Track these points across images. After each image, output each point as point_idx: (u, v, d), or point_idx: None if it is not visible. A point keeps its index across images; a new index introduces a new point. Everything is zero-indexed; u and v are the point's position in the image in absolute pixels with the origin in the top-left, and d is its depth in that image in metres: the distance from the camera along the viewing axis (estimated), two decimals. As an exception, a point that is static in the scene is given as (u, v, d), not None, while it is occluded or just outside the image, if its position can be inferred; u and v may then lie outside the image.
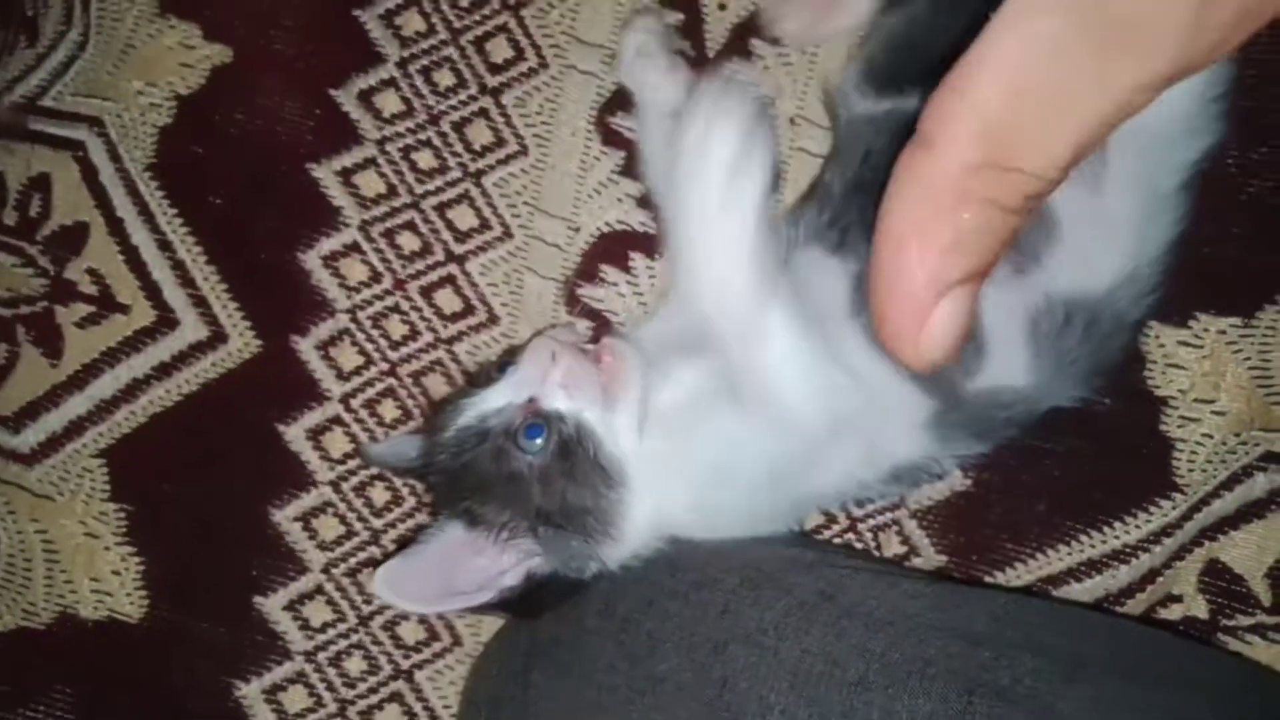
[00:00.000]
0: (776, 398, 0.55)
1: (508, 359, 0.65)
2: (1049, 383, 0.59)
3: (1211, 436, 0.68)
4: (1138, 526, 0.70)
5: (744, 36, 0.72)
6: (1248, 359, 0.68)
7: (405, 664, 0.75)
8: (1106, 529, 0.70)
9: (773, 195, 0.69)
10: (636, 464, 0.60)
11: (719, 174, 0.51)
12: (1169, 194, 0.58)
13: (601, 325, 0.74)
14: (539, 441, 0.59)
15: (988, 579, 0.72)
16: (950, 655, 0.51)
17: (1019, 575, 0.72)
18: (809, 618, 0.54)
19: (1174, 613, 0.70)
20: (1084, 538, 0.70)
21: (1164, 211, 0.58)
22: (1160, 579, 0.70)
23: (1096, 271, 0.58)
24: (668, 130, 0.67)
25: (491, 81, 0.74)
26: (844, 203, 0.62)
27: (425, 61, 0.74)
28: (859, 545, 0.73)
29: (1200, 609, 0.70)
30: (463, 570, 0.59)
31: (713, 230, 0.52)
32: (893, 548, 0.73)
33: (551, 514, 0.59)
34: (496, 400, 0.61)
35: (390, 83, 0.74)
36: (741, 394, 0.57)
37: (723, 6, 0.73)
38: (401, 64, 0.74)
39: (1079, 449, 0.70)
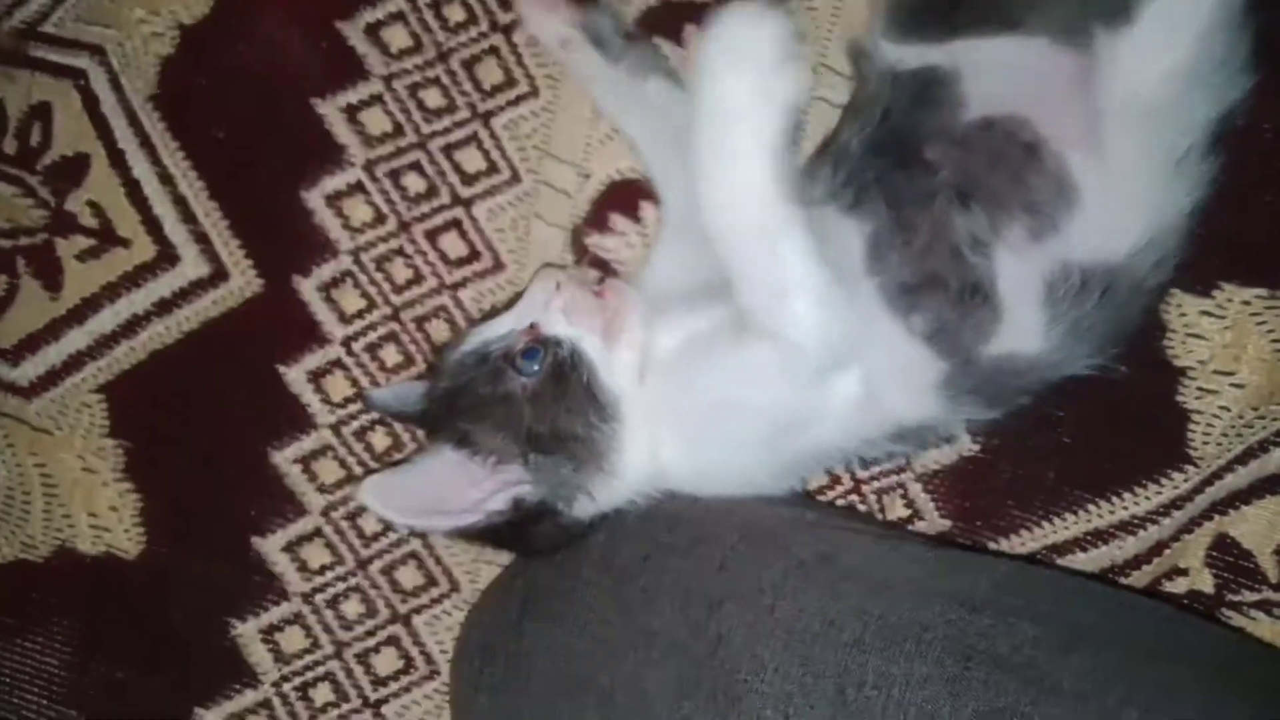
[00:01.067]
0: (785, 324, 0.54)
1: (518, 300, 0.65)
2: (1063, 349, 0.58)
3: (1229, 409, 0.67)
4: (1148, 498, 0.68)
5: (767, -21, 0.70)
6: (1271, 331, 0.66)
7: (403, 608, 0.75)
8: (1115, 499, 0.69)
9: (793, 145, 0.69)
10: (631, 403, 0.60)
11: (756, 71, 0.50)
12: (1185, 158, 0.56)
13: (610, 275, 0.73)
14: (535, 364, 0.60)
15: (992, 545, 0.71)
16: (949, 621, 0.50)
17: (1024, 543, 0.71)
18: (807, 578, 0.54)
19: (1179, 586, 0.69)
20: (1092, 507, 0.69)
21: (1181, 177, 0.56)
22: (1167, 551, 0.69)
23: (1115, 238, 0.56)
24: (576, 61, 0.68)
25: (503, 18, 0.71)
26: (861, 162, 0.60)
27: (435, -5, 0.72)
28: (863, 507, 0.73)
29: (1206, 583, 0.69)
30: (450, 490, 0.59)
31: (738, 133, 0.51)
32: (896, 511, 0.72)
33: (541, 436, 0.59)
34: (500, 328, 0.62)
35: (398, 16, 0.71)
36: (748, 326, 0.56)
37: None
38: (411, -2, 0.72)
39: (1091, 417, 0.68)
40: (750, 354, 0.56)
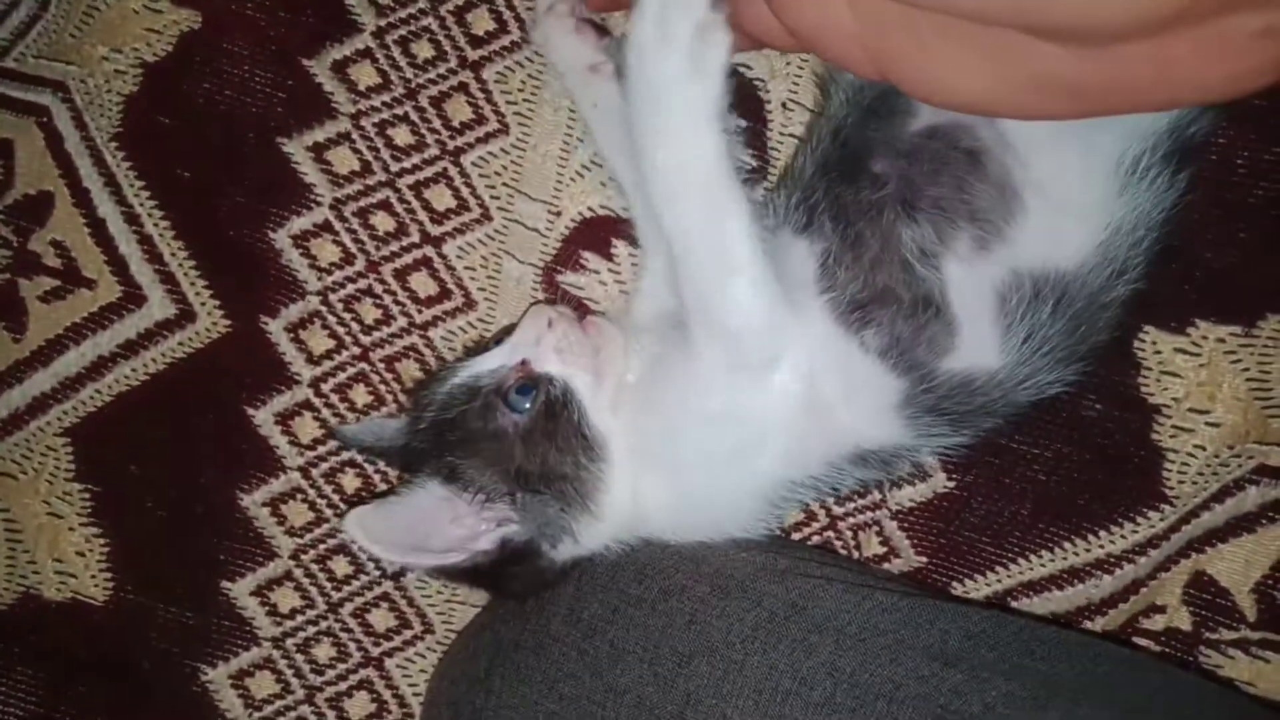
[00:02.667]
0: (727, 310, 0.55)
1: (505, 335, 0.65)
2: (1024, 365, 0.57)
3: (1204, 448, 0.66)
4: (1124, 536, 0.68)
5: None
6: (1246, 369, 0.65)
7: (375, 651, 0.74)
8: (1091, 537, 0.69)
9: (759, 183, 0.68)
10: (617, 442, 0.61)
11: (683, 42, 0.49)
12: (1133, 167, 0.55)
13: (582, 313, 0.72)
14: (527, 402, 0.60)
15: (967, 582, 0.71)
16: (921, 678, 0.49)
17: (999, 580, 0.70)
18: (778, 631, 0.53)
19: (1157, 623, 0.69)
20: (1067, 545, 0.69)
21: (1132, 186, 0.55)
22: (1144, 589, 0.69)
23: (1063, 246, 0.55)
24: (594, 87, 0.66)
25: (472, 55, 0.71)
26: (812, 181, 0.60)
27: (403, 31, 0.70)
28: (839, 544, 0.72)
29: (1184, 621, 0.68)
30: (437, 528, 0.59)
31: (675, 108, 0.51)
32: (873, 548, 0.71)
33: (531, 475, 0.59)
34: (491, 362, 0.62)
35: (366, 53, 0.71)
36: (691, 330, 0.56)
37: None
38: (378, 34, 0.70)
39: (1067, 454, 0.68)
40: (697, 361, 0.57)
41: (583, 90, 0.67)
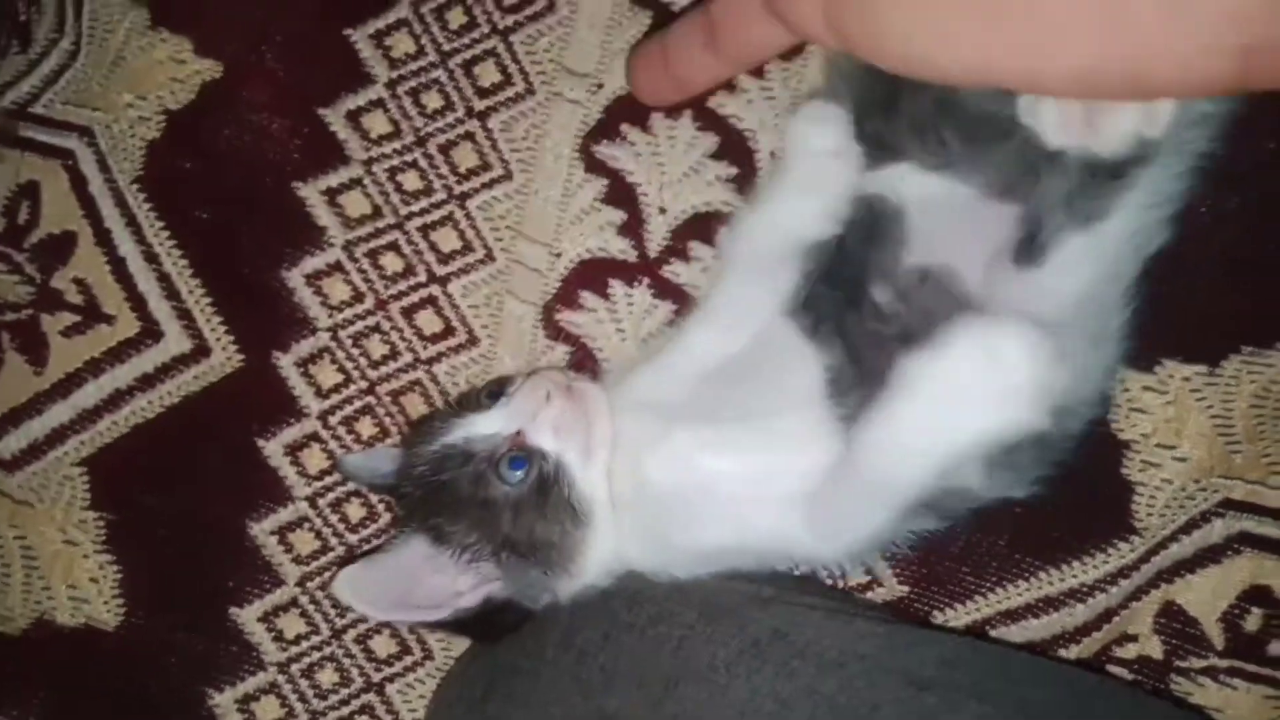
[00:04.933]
0: (832, 545, 0.59)
1: (497, 387, 0.66)
2: (1001, 481, 0.59)
3: (1171, 482, 0.69)
4: (1095, 567, 0.71)
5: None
6: (1210, 407, 0.69)
7: (377, 677, 0.77)
8: (1065, 567, 0.71)
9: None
10: (602, 510, 0.62)
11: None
12: (1107, 338, 0.59)
13: (580, 350, 0.75)
14: (520, 474, 0.61)
15: (948, 611, 0.74)
16: (898, 700, 0.52)
17: (979, 608, 0.73)
18: (762, 656, 0.56)
19: (1129, 652, 0.71)
20: (1043, 574, 0.72)
21: (1106, 343, 0.60)
22: (1117, 618, 0.71)
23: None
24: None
25: (479, 105, 0.75)
26: (817, 287, 0.61)
27: (414, 83, 0.75)
28: (823, 573, 0.75)
29: (1155, 649, 0.71)
30: (422, 584, 0.61)
31: (945, 436, 0.53)
32: (855, 577, 0.74)
33: (518, 543, 0.61)
34: (486, 427, 0.63)
35: (378, 103, 0.75)
36: (802, 521, 0.58)
37: (708, 39, 0.74)
38: (390, 85, 0.75)
39: (1041, 487, 0.71)
40: (785, 530, 0.59)
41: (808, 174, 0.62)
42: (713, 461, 0.60)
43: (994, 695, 0.53)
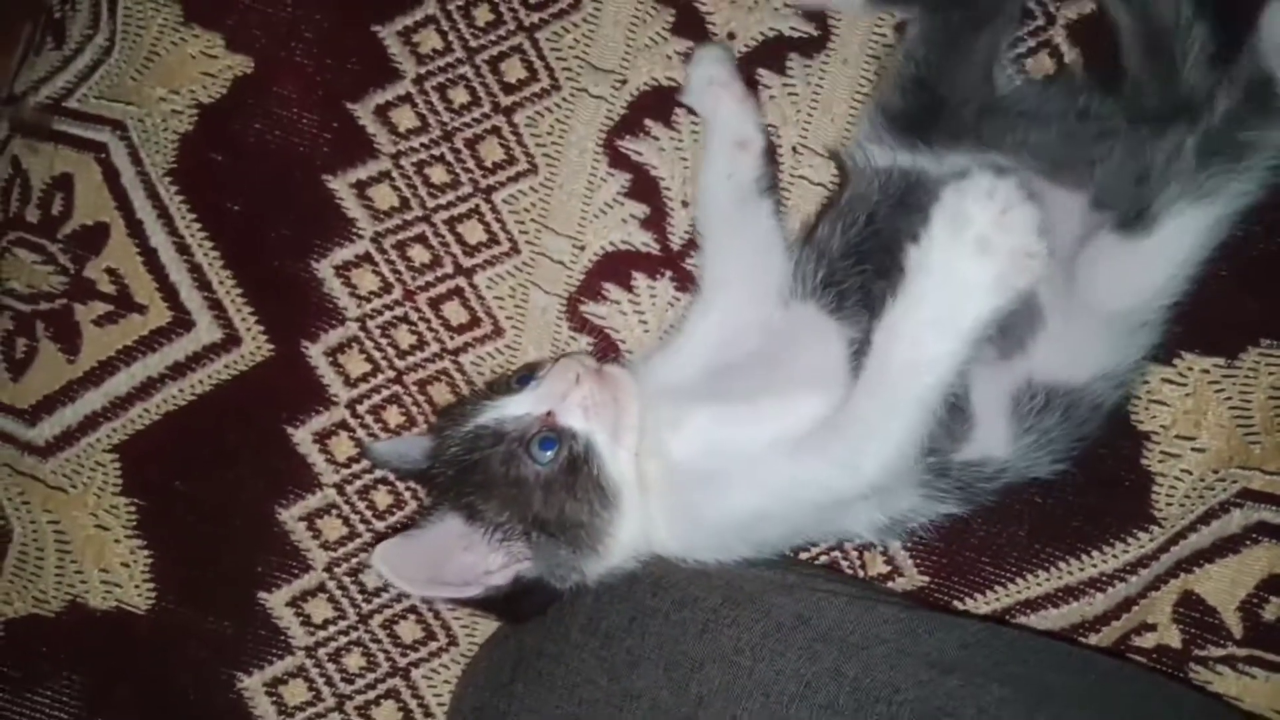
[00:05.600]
0: (867, 457, 0.57)
1: (527, 372, 0.68)
2: (1028, 457, 0.62)
3: (1191, 472, 0.70)
4: (1115, 556, 0.72)
5: (751, 65, 0.74)
6: (1229, 399, 0.70)
7: (402, 662, 0.78)
8: (1085, 557, 0.72)
9: (779, 219, 0.72)
10: (630, 492, 0.63)
11: (1004, 263, 0.52)
12: (1148, 321, 0.61)
13: (603, 341, 0.77)
14: (550, 453, 0.62)
15: (968, 600, 0.74)
16: (920, 683, 0.53)
17: (998, 598, 0.74)
18: (785, 640, 0.56)
19: (1148, 641, 0.72)
20: (1063, 564, 0.73)
21: (1143, 331, 0.61)
22: (1136, 608, 0.72)
23: (1076, 365, 0.61)
24: (735, 159, 0.69)
25: (505, 101, 0.76)
26: (841, 264, 0.63)
27: (441, 79, 0.76)
28: (844, 563, 0.76)
29: (1174, 638, 0.72)
30: (455, 561, 0.62)
31: (965, 310, 0.53)
32: (876, 567, 0.75)
33: (547, 522, 0.62)
34: (517, 408, 0.64)
35: (406, 98, 0.76)
36: (821, 452, 0.58)
37: (731, 36, 0.75)
38: (418, 80, 0.76)
39: (1061, 477, 0.71)
40: (807, 472, 0.59)
41: (723, 158, 0.69)
42: (733, 432, 0.62)
43: (1015, 678, 0.54)
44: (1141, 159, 0.59)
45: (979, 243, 0.52)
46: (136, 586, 0.77)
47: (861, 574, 0.75)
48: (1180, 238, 0.58)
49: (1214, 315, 0.69)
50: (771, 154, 0.71)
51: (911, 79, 0.67)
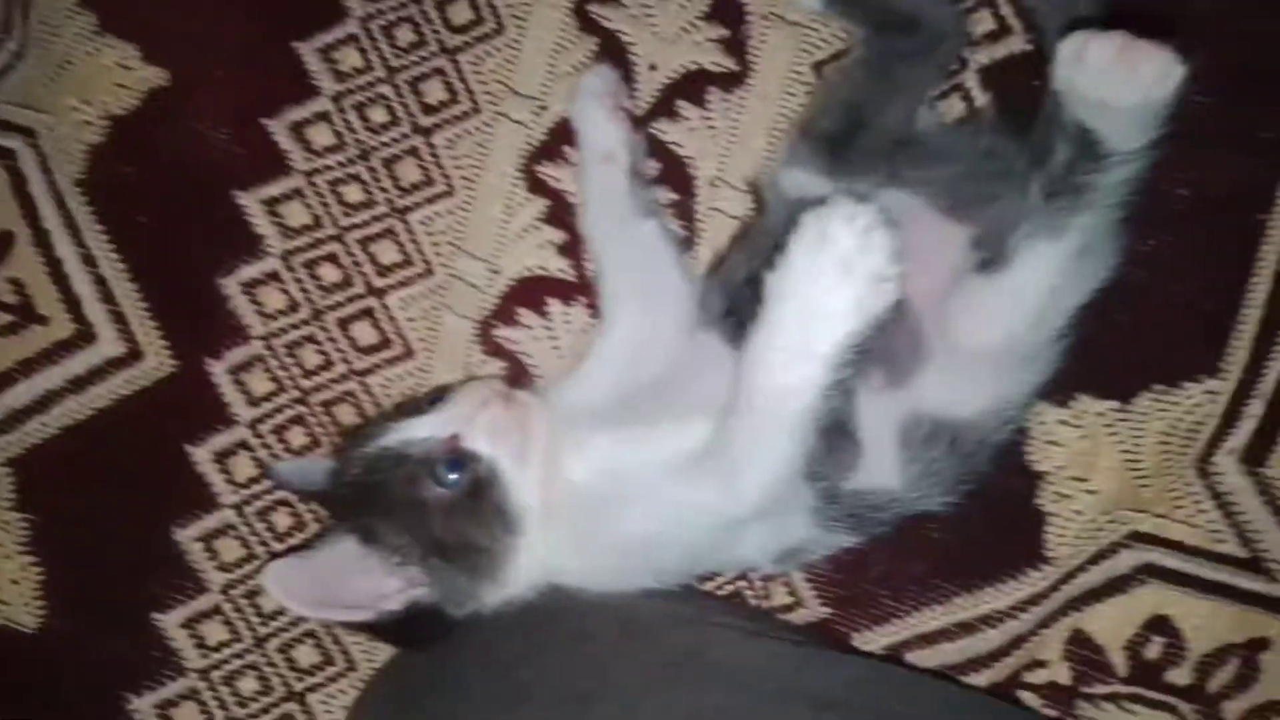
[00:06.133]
0: (746, 480, 0.58)
1: (437, 395, 0.67)
2: (917, 488, 0.63)
3: (1082, 513, 0.72)
4: (1008, 594, 0.73)
5: (672, 97, 0.75)
6: (1121, 442, 0.71)
7: (298, 686, 0.77)
8: (979, 593, 0.73)
9: (687, 254, 0.74)
10: (533, 519, 0.63)
11: (860, 285, 0.52)
12: (1034, 356, 0.62)
13: (516, 366, 0.77)
14: (454, 476, 0.61)
15: (868, 633, 0.75)
16: None
17: (896, 631, 0.75)
18: (675, 674, 0.57)
19: (1039, 677, 0.73)
20: (958, 600, 0.74)
21: (1031, 364, 0.63)
22: (1027, 644, 0.73)
23: (961, 399, 0.62)
24: (604, 173, 0.71)
25: (424, 122, 0.76)
26: (743, 292, 0.64)
27: (360, 98, 0.76)
28: (750, 593, 0.76)
29: (1063, 675, 0.73)
30: (349, 584, 0.61)
31: (821, 333, 0.53)
32: (780, 598, 0.76)
33: (447, 547, 0.62)
34: (422, 430, 0.63)
35: (324, 116, 0.76)
36: (701, 468, 0.59)
37: (653, 67, 0.75)
38: (336, 98, 0.76)
39: (958, 515, 0.72)
40: (693, 495, 0.59)
41: (593, 171, 0.71)
42: (629, 456, 0.62)
43: (894, 717, 0.55)
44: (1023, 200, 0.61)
45: (841, 264, 0.52)
46: (25, 604, 0.75)
47: (765, 604, 0.76)
48: (1033, 274, 0.60)
49: (1110, 359, 0.71)
50: (641, 176, 0.72)
51: (841, 101, 0.69)
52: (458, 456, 0.62)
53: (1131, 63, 0.54)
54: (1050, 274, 0.60)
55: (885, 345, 0.60)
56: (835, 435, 0.61)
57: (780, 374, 0.54)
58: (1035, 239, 0.59)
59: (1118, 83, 0.54)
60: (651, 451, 0.62)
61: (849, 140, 0.67)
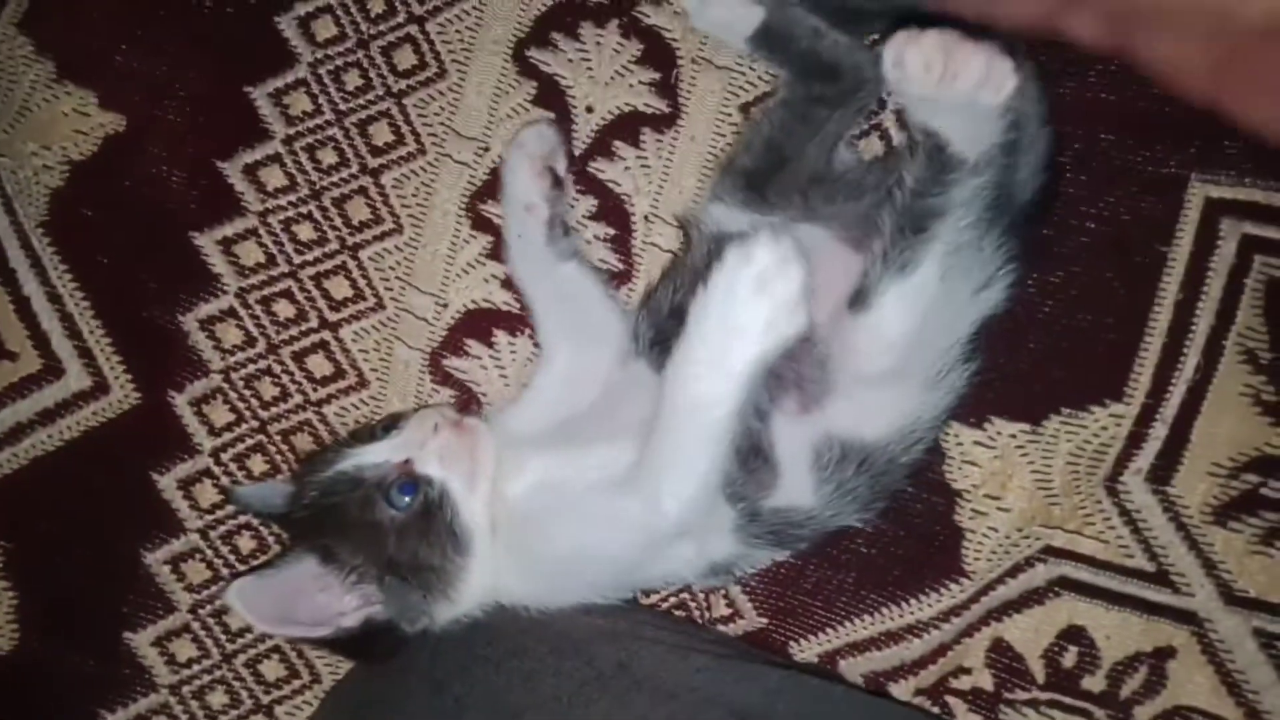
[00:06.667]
0: (667, 496, 0.61)
1: (391, 422, 0.71)
2: (833, 506, 0.67)
3: (997, 529, 0.76)
4: (930, 605, 0.77)
5: (608, 138, 0.78)
6: (1032, 462, 0.75)
7: (266, 699, 0.81)
8: (904, 604, 0.77)
9: (624, 287, 0.77)
10: (482, 538, 0.67)
11: (774, 308, 0.56)
12: (938, 377, 0.65)
13: (464, 394, 0.80)
14: (407, 499, 0.65)
15: (802, 642, 0.79)
16: (718, 729, 0.58)
17: (829, 640, 0.79)
18: (603, 687, 0.61)
19: (964, 683, 0.77)
20: (885, 610, 0.78)
21: (934, 388, 0.66)
22: (951, 652, 0.77)
23: (867, 423, 0.65)
24: (524, 221, 0.74)
25: (372, 163, 0.79)
26: (669, 323, 0.67)
27: (310, 140, 0.79)
28: (692, 604, 0.80)
29: (986, 682, 0.77)
30: (307, 601, 0.65)
31: (736, 352, 0.57)
32: (719, 609, 0.80)
33: (400, 565, 0.65)
34: (376, 455, 0.67)
35: (275, 158, 0.79)
36: (628, 485, 0.62)
37: (590, 109, 0.79)
38: (287, 141, 0.79)
39: (884, 529, 0.76)
40: (618, 509, 0.63)
41: (514, 218, 0.74)
42: (561, 475, 0.66)
43: (808, 723, 0.59)
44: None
45: (757, 283, 0.56)
46: (0, 628, 0.79)
47: (707, 615, 0.80)
48: (889, 311, 0.62)
49: (1022, 384, 0.75)
50: (563, 225, 0.75)
51: (763, 140, 0.72)
52: (410, 480, 0.65)
53: (953, 65, 0.55)
54: (908, 309, 0.61)
55: (796, 371, 0.65)
56: (753, 458, 0.65)
57: (696, 385, 0.58)
58: (887, 278, 0.61)
59: (940, 84, 0.55)
60: (582, 471, 0.66)
61: (768, 177, 0.71)
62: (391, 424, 0.70)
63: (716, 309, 0.57)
